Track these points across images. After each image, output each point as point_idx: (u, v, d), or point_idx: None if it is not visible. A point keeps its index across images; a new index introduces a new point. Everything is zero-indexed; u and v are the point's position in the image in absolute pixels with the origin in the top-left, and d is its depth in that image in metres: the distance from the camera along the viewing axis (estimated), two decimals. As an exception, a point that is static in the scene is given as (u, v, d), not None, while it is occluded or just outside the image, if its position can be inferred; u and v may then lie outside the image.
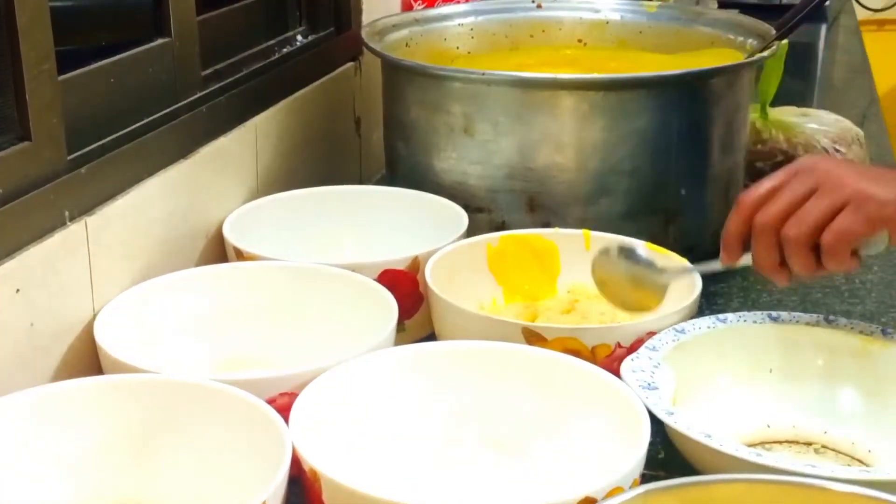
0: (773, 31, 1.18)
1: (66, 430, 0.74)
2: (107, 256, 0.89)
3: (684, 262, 0.96)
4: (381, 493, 0.65)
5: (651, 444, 0.72)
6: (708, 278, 0.95)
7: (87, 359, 0.86)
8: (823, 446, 0.86)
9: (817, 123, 1.38)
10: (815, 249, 0.81)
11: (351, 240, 1.13)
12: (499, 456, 0.81)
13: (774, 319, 0.91)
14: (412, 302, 0.96)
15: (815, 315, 0.91)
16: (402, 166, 1.18)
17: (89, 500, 0.74)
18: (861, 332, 0.88)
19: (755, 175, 1.32)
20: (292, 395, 0.76)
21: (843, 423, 0.87)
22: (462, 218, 1.05)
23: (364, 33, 1.20)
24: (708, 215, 1.14)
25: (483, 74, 1.07)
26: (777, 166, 1.32)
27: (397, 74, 1.16)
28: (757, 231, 0.82)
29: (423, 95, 1.12)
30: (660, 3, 1.35)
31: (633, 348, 0.86)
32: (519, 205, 1.08)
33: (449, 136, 1.10)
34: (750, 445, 0.83)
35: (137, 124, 0.97)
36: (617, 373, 0.80)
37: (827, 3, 2.40)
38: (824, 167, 0.82)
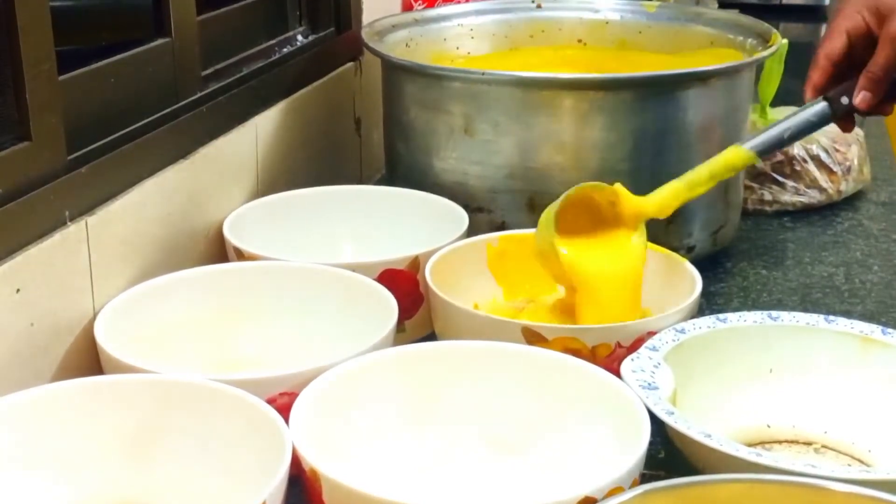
0: (773, 31, 1.18)
1: (66, 430, 0.74)
2: (107, 256, 0.89)
3: None
4: (381, 493, 0.65)
5: (651, 444, 0.72)
6: (708, 278, 0.95)
7: (87, 359, 0.86)
8: (823, 446, 0.86)
9: (817, 123, 1.38)
10: None
11: (351, 240, 1.13)
12: (498, 456, 0.81)
13: (774, 319, 0.90)
14: (412, 302, 0.96)
15: (815, 315, 0.91)
16: (402, 166, 1.18)
17: (89, 500, 0.74)
18: (861, 332, 0.88)
19: (755, 175, 1.32)
20: (292, 395, 0.76)
21: (843, 423, 0.87)
22: (462, 218, 1.05)
23: (364, 33, 1.20)
24: (708, 215, 1.14)
25: (483, 74, 1.07)
26: (777, 166, 1.33)
27: (397, 74, 1.16)
28: None
29: (423, 95, 1.12)
30: (660, 3, 1.35)
31: (633, 348, 0.86)
32: (519, 205, 1.08)
33: (449, 136, 1.10)
34: (750, 445, 0.83)
35: (137, 124, 0.97)
36: (617, 373, 0.80)
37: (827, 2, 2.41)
38: None
